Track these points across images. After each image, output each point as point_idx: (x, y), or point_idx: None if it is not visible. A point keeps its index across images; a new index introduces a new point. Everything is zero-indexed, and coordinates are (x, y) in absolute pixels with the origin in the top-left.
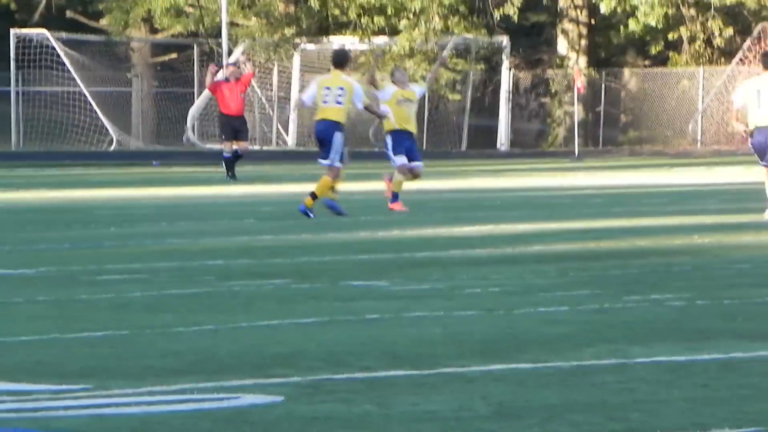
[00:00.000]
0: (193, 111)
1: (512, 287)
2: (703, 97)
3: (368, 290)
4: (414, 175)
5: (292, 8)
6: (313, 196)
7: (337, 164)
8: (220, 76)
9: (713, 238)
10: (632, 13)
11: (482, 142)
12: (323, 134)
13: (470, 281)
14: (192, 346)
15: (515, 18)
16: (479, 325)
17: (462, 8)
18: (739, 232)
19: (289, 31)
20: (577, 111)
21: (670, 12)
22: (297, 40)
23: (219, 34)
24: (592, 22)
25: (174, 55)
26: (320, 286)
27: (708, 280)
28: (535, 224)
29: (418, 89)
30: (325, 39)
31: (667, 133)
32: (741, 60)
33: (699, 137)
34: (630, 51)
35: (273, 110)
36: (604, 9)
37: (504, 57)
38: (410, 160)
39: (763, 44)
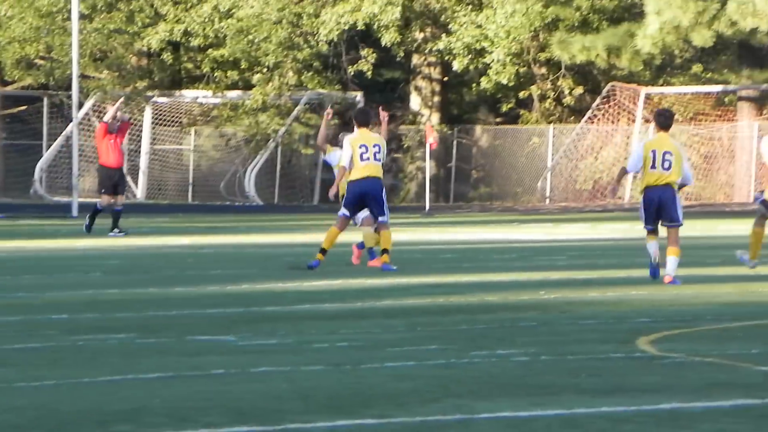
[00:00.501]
0: (42, 164)
1: (360, 342)
2: (552, 155)
3: (215, 345)
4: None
5: (144, 61)
6: (385, 251)
7: (387, 219)
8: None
9: (560, 294)
10: (484, 71)
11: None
12: (373, 190)
13: (318, 336)
14: (33, 401)
15: (369, 74)
16: (326, 380)
17: (316, 63)
18: (586, 288)
19: (141, 84)
20: (429, 167)
21: (521, 70)
22: (149, 93)
23: (70, 87)
24: (445, 79)
25: (24, 107)
26: (166, 340)
27: (553, 336)
28: (385, 279)
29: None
30: (177, 92)
31: (517, 190)
32: (590, 118)
33: (548, 194)
34: (482, 108)
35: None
36: (456, 66)
37: None
38: (373, 215)
39: (612, 103)
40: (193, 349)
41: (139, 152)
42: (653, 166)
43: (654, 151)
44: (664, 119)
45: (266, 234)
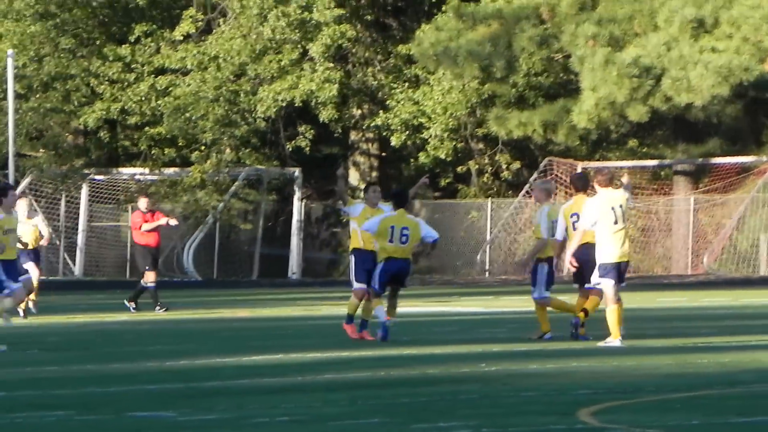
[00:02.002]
0: None
1: (301, 416)
2: (491, 228)
3: (154, 421)
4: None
5: (81, 139)
6: (586, 312)
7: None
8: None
9: (501, 366)
10: (422, 146)
11: (274, 271)
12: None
13: (259, 410)
14: None
15: (307, 150)
16: None
17: (254, 140)
18: (527, 360)
19: (78, 162)
20: None
21: (459, 146)
22: (86, 171)
23: (6, 166)
24: (383, 154)
25: None
26: (105, 417)
27: (495, 408)
28: (326, 353)
29: (387, 208)
30: (114, 170)
31: (456, 263)
32: (528, 192)
33: (487, 267)
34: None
35: (60, 240)
36: (394, 142)
37: (296, 188)
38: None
39: (549, 177)
40: (133, 426)
41: (77, 229)
42: (391, 240)
43: (393, 227)
44: (402, 199)
45: (205, 309)
